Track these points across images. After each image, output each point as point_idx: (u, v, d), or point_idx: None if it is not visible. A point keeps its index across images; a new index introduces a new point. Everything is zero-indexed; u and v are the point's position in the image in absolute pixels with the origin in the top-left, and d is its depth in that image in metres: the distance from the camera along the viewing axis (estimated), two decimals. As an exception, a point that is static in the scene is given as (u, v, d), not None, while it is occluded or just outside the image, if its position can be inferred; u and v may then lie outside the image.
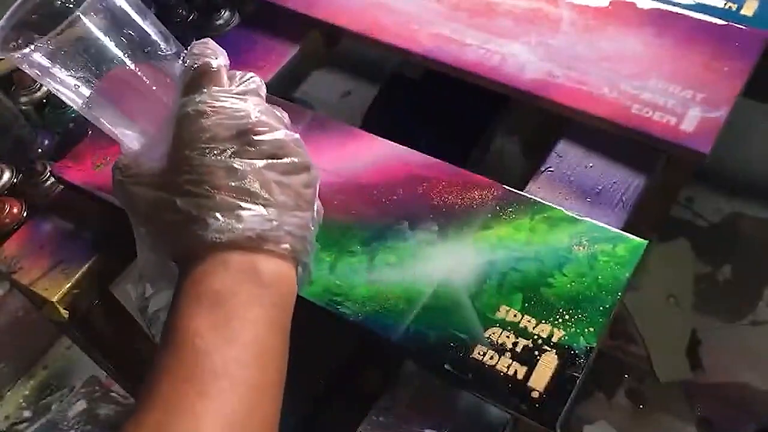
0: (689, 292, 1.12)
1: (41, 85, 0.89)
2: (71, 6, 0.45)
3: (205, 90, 0.42)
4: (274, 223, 0.40)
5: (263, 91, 0.45)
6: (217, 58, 0.44)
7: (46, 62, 0.44)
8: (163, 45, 0.46)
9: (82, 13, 0.42)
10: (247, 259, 0.40)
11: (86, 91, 0.45)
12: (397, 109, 0.98)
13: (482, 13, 0.74)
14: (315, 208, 0.44)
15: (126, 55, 0.44)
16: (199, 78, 0.43)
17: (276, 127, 0.43)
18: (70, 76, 0.44)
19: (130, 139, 0.46)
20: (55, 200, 0.71)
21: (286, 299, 0.42)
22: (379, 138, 0.66)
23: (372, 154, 0.65)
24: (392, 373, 0.57)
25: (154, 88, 0.45)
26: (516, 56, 0.70)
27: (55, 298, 0.64)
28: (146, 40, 0.45)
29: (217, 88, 0.42)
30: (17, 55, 0.43)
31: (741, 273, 1.13)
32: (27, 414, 1.26)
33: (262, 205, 0.40)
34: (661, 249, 1.16)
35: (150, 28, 0.46)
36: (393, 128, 0.70)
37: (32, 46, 0.42)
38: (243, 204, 0.40)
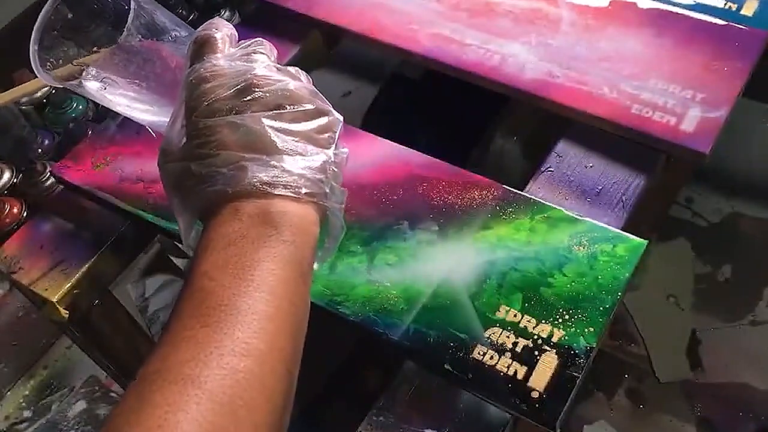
0: (689, 292, 1.12)
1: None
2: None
3: (205, 57, 0.44)
4: (281, 169, 0.41)
5: (271, 53, 0.46)
6: (219, 30, 0.45)
7: (96, 85, 0.47)
8: (184, 33, 0.48)
9: (125, 38, 0.45)
10: (257, 205, 0.41)
11: (132, 93, 0.48)
12: (397, 109, 0.98)
13: (482, 13, 0.74)
14: (334, 151, 0.45)
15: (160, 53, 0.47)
16: (201, 48, 0.44)
17: (281, 79, 0.44)
18: (119, 91, 0.47)
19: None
20: (55, 200, 0.71)
21: (303, 238, 0.42)
22: (379, 138, 0.66)
23: (372, 154, 0.65)
24: (392, 373, 0.56)
25: (177, 74, 0.47)
26: (516, 56, 0.70)
27: (55, 298, 0.64)
28: (171, 32, 0.48)
29: (218, 55, 0.44)
30: (71, 83, 0.46)
31: (741, 273, 1.13)
32: (27, 414, 1.26)
33: (266, 154, 0.41)
34: (661, 249, 1.16)
35: (169, 18, 0.48)
36: (393, 128, 0.70)
37: (83, 75, 0.46)
38: (246, 155, 0.41)
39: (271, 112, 0.42)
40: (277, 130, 0.42)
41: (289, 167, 0.42)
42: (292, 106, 0.43)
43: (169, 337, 0.37)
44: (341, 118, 0.46)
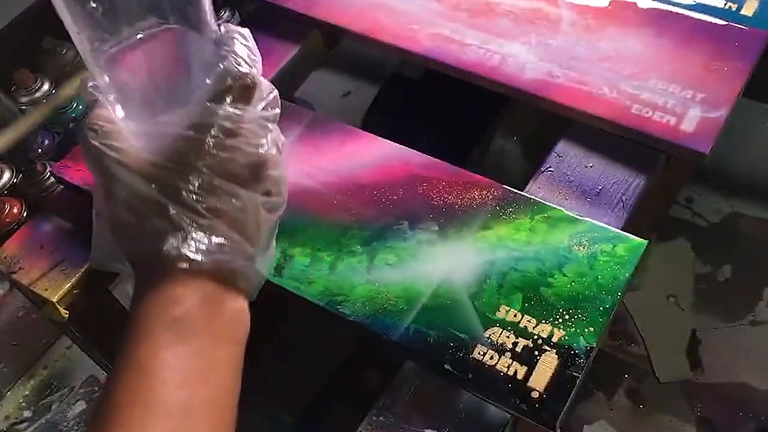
0: (689, 292, 1.12)
1: (41, 85, 0.89)
2: None
3: (238, 108, 0.40)
4: (252, 261, 0.40)
5: (278, 110, 0.44)
6: (255, 66, 0.42)
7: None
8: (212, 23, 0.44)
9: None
10: (219, 291, 0.39)
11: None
12: (397, 109, 0.98)
13: (482, 13, 0.74)
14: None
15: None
16: (235, 89, 0.41)
17: (280, 161, 0.43)
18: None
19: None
20: (55, 200, 0.71)
21: (244, 337, 0.42)
22: (379, 138, 0.66)
23: (372, 154, 0.65)
24: (392, 373, 0.56)
25: (177, 57, 0.43)
26: (516, 56, 0.70)
27: (55, 298, 0.64)
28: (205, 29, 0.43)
29: (248, 108, 0.41)
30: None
31: (741, 273, 1.13)
32: (27, 414, 1.26)
33: (249, 242, 0.40)
34: (661, 249, 1.16)
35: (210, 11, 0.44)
36: (393, 128, 0.70)
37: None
38: (235, 236, 0.39)
39: (264, 199, 0.42)
40: (263, 220, 0.42)
41: (258, 262, 0.41)
42: (276, 196, 0.43)
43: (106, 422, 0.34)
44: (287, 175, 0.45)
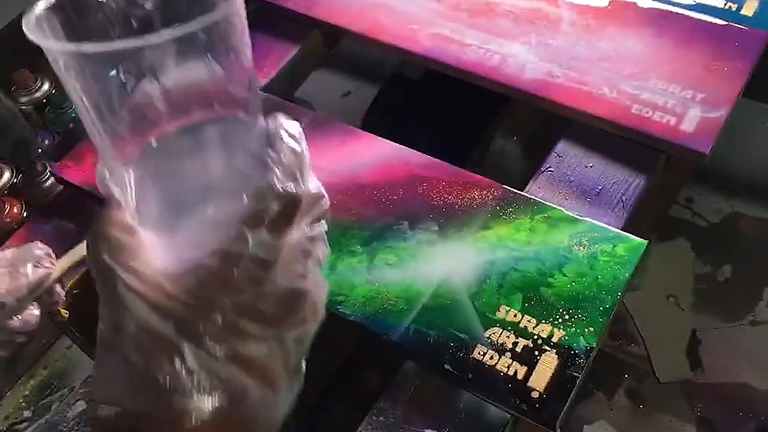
0: (689, 292, 1.12)
1: (41, 85, 0.89)
2: None
3: (277, 234, 0.33)
4: (275, 408, 0.34)
5: (326, 225, 0.38)
6: (303, 173, 0.34)
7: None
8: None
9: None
10: None
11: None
12: (397, 109, 0.98)
13: (482, 13, 0.74)
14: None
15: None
16: (276, 209, 0.33)
17: (321, 285, 0.37)
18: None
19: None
20: (55, 200, 0.71)
21: None
22: (379, 138, 0.66)
23: (372, 154, 0.65)
24: (392, 373, 0.56)
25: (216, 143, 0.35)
26: (516, 56, 0.70)
27: (55, 298, 0.64)
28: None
29: (290, 232, 0.34)
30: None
31: (741, 273, 1.13)
32: (27, 414, 1.26)
33: (273, 389, 0.34)
34: (661, 249, 1.15)
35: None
36: (393, 128, 0.70)
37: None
38: (258, 388, 0.33)
39: (297, 334, 0.35)
40: (293, 357, 0.35)
41: (278, 404, 0.35)
42: (309, 326, 0.37)
43: None
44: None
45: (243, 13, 0.33)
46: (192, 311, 0.32)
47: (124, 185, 0.35)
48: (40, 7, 0.33)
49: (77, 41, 0.31)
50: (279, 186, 0.33)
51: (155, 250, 0.34)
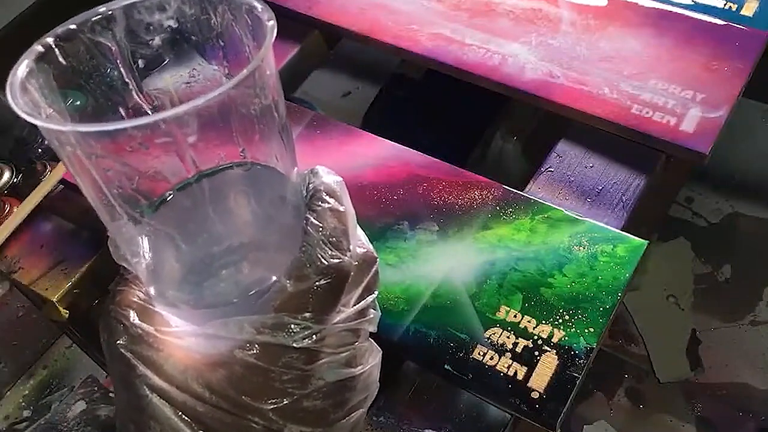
0: (689, 292, 1.12)
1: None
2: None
3: (322, 318, 0.28)
4: None
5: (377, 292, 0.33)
6: (350, 240, 0.29)
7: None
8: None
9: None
10: None
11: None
12: (397, 109, 0.98)
13: (482, 13, 0.74)
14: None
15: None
16: (320, 288, 0.28)
17: (373, 366, 0.32)
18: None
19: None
20: (55, 200, 0.71)
21: None
22: (380, 138, 0.66)
23: (372, 154, 0.65)
24: (392, 373, 0.56)
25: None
26: (516, 56, 0.70)
27: (55, 298, 0.64)
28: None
29: (337, 314, 0.29)
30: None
31: (741, 273, 1.13)
32: (27, 414, 1.26)
33: None
34: (661, 249, 1.15)
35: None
36: (393, 128, 0.70)
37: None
38: None
39: (351, 422, 0.31)
40: None
41: None
42: (360, 408, 0.32)
43: None
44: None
45: (272, 60, 0.28)
46: (225, 416, 0.27)
47: (137, 249, 0.30)
48: (22, 69, 0.28)
49: (76, 89, 0.27)
50: (322, 259, 0.28)
51: (178, 334, 0.28)
